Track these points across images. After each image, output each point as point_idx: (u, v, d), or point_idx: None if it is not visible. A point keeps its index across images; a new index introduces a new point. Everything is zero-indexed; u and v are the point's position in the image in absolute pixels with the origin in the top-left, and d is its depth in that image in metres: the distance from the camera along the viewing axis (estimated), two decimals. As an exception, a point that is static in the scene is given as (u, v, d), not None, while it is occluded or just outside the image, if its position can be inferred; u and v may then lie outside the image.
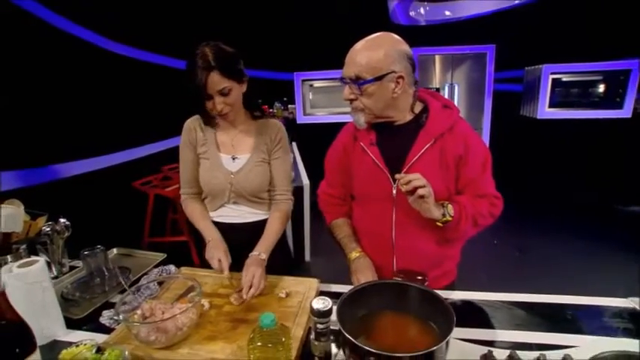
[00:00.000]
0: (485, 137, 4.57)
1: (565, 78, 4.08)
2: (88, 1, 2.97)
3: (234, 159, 1.28)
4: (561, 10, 4.19)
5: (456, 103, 4.70)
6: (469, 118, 4.61)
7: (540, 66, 4.11)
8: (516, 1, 3.95)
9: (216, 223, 1.31)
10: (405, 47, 1.02)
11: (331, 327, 0.83)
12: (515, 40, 4.37)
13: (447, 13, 4.10)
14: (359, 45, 1.02)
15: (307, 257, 3.10)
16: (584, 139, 4.03)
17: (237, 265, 1.16)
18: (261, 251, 1.17)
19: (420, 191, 0.93)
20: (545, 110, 4.16)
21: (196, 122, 1.30)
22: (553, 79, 4.07)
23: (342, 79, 1.06)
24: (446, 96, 4.58)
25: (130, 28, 3.43)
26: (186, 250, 2.91)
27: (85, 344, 0.86)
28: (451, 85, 4.54)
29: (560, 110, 4.15)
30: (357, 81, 1.00)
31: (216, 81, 1.11)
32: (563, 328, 0.91)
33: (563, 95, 4.13)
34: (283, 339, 0.67)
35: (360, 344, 0.67)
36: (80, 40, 2.96)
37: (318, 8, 4.88)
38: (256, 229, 1.28)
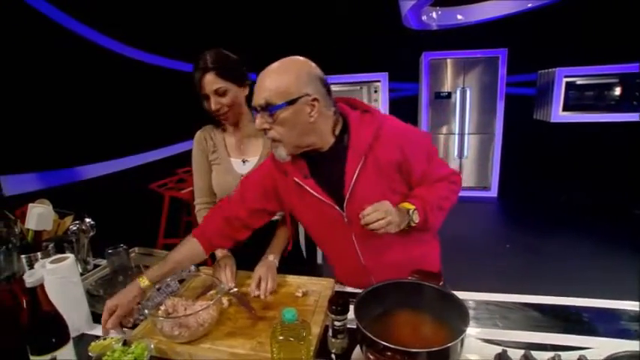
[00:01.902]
0: (498, 141, 4.52)
1: (580, 81, 4.04)
2: (112, 10, 3.08)
3: (244, 162, 1.34)
4: (575, 13, 4.15)
5: (468, 107, 4.71)
6: (481, 122, 4.58)
7: (554, 69, 4.07)
8: (529, 5, 3.93)
9: None
10: (316, 70, 0.97)
11: (348, 325, 0.86)
12: (528, 43, 4.34)
13: (459, 17, 4.09)
14: (266, 70, 0.96)
15: (319, 260, 3.12)
16: (599, 143, 3.98)
17: (246, 264, 1.22)
18: (270, 253, 1.24)
19: (383, 228, 0.92)
20: (558, 114, 4.11)
21: (206, 132, 1.38)
22: (567, 83, 4.03)
23: (253, 108, 0.98)
24: (458, 100, 4.57)
25: (149, 36, 3.54)
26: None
27: (112, 337, 0.91)
28: (463, 89, 4.52)
29: (574, 114, 4.10)
30: (268, 107, 0.93)
31: (211, 81, 1.19)
32: (578, 329, 0.92)
33: (577, 98, 4.08)
34: (304, 334, 0.70)
35: (377, 340, 0.69)
36: (102, 47, 3.07)
37: (329, 13, 4.94)
38: (266, 229, 1.30)
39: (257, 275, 1.13)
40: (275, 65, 0.96)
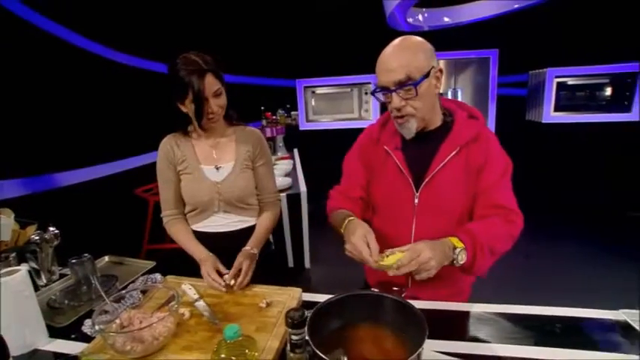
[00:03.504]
0: (490, 142, 4.50)
1: (570, 81, 4.01)
2: (89, 10, 3.03)
3: (217, 169, 1.29)
4: (565, 13, 4.13)
5: (459, 108, 4.67)
6: (473, 123, 4.55)
7: (544, 70, 4.05)
8: (515, 6, 3.91)
9: (204, 233, 1.32)
10: (431, 45, 1.00)
11: (307, 338, 0.82)
12: (518, 43, 4.32)
13: (446, 19, 4.05)
14: (392, 51, 0.97)
15: (307, 264, 3.08)
16: (592, 143, 3.95)
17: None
18: (252, 246, 1.24)
19: (421, 274, 0.86)
20: (550, 114, 4.08)
21: (172, 141, 1.31)
22: (558, 83, 4.00)
23: (384, 90, 0.99)
24: (449, 101, 4.55)
25: (129, 37, 3.49)
26: (186, 256, 2.92)
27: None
28: (454, 90, 4.49)
29: (566, 114, 4.07)
30: (408, 83, 0.94)
31: (212, 82, 1.14)
32: (549, 341, 0.88)
33: (568, 99, 4.05)
34: (247, 351, 0.66)
35: (325, 357, 0.65)
36: (79, 48, 3.02)
37: (319, 16, 4.92)
38: (245, 235, 1.30)
39: (239, 265, 1.13)
40: (399, 45, 0.98)
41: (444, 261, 0.88)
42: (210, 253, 1.22)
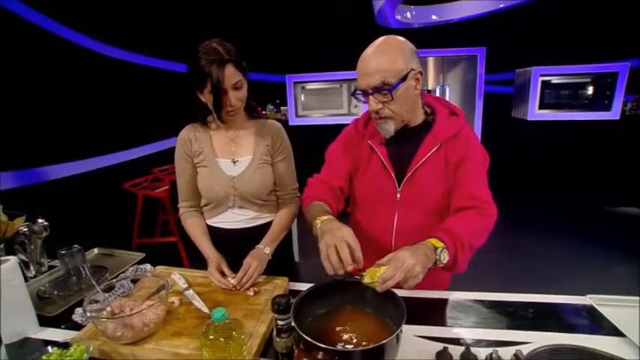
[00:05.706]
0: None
1: (555, 80, 4.11)
2: (79, 4, 2.99)
3: (234, 162, 1.25)
4: (551, 13, 4.23)
5: (447, 104, 4.75)
6: (461, 120, 4.64)
7: (530, 68, 4.14)
8: (501, 5, 3.98)
9: (219, 228, 1.30)
10: (412, 45, 1.01)
11: (292, 323, 0.86)
12: (506, 42, 4.41)
13: (434, 17, 4.10)
14: (371, 53, 0.98)
15: (296, 258, 3.12)
16: (574, 141, 4.07)
17: (239, 268, 1.15)
18: (266, 245, 1.20)
19: (408, 282, 0.82)
20: (535, 112, 4.19)
21: (190, 132, 1.26)
22: (543, 81, 4.10)
23: (362, 93, 1.01)
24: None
25: (120, 31, 3.45)
26: (176, 250, 2.93)
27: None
28: (442, 86, 4.56)
29: (550, 112, 4.18)
30: (384, 88, 0.96)
31: (232, 74, 1.09)
32: (520, 325, 0.94)
33: (553, 97, 4.15)
34: (234, 333, 0.69)
35: (310, 339, 0.69)
36: (70, 42, 2.99)
37: (309, 11, 4.92)
38: (261, 232, 1.27)
39: (246, 266, 1.11)
40: (378, 46, 0.98)
41: (427, 264, 0.86)
42: (217, 253, 1.20)
